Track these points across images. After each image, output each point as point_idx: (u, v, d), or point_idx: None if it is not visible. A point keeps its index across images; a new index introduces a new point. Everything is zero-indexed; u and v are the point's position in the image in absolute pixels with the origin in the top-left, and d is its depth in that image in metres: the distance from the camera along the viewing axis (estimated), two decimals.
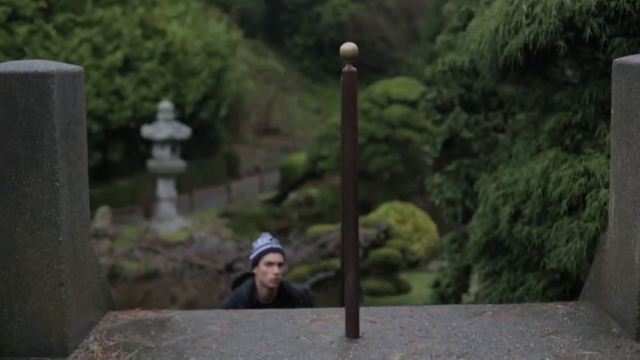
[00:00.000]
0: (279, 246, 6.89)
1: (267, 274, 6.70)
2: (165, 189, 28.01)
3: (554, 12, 5.78)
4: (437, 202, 9.36)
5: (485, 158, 9.17)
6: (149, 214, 28.97)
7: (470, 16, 8.18)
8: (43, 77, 4.18)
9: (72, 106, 4.42)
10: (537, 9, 5.92)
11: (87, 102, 29.09)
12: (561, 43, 5.87)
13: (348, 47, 4.32)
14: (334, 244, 18.77)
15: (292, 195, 33.61)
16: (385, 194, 30.07)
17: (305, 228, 26.16)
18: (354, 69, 4.33)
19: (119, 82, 31.07)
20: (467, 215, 9.31)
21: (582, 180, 5.69)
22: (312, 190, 33.70)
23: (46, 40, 29.30)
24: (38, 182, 4.21)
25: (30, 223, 4.23)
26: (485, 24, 6.43)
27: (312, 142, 33.60)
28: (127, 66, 31.76)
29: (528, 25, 5.94)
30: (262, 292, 6.79)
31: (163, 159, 27.40)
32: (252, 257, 6.85)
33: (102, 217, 27.68)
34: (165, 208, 28.13)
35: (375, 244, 19.66)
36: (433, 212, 24.47)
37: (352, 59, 4.29)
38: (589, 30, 5.74)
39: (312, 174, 33.63)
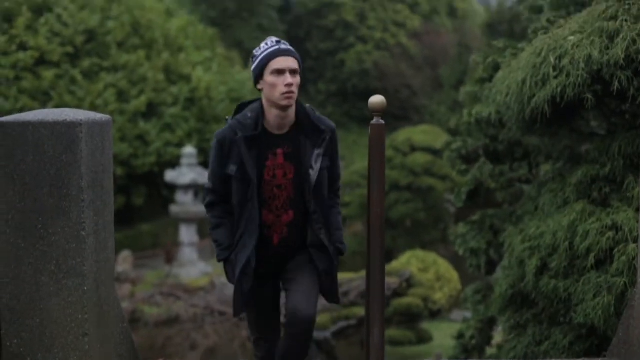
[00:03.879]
0: (290, 48, 5.15)
1: (277, 86, 4.95)
2: (187, 234, 28.02)
3: (581, 65, 5.76)
4: (460, 252, 9.31)
5: (510, 209, 9.13)
6: (170, 258, 28.95)
7: (496, 67, 8.19)
8: (72, 127, 4.19)
9: (99, 155, 4.44)
10: (565, 61, 5.90)
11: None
12: (589, 96, 5.84)
13: (377, 100, 4.33)
14: (356, 293, 18.69)
15: None
16: (408, 241, 29.99)
17: None
18: (382, 121, 4.34)
19: (143, 127, 31.23)
20: (491, 266, 9.26)
21: (610, 234, 5.63)
22: None
23: (72, 85, 29.54)
24: (64, 231, 4.21)
25: (56, 272, 4.23)
26: (512, 75, 6.42)
27: None
28: (151, 111, 31.95)
29: (555, 77, 5.92)
30: (271, 116, 5.06)
31: (186, 204, 27.45)
32: (253, 67, 5.09)
33: (124, 261, 27.70)
34: (187, 253, 28.13)
35: (397, 293, 19.56)
36: (455, 261, 24.34)
37: (380, 111, 4.30)
38: (617, 83, 5.71)
39: None
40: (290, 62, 4.98)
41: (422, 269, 23.29)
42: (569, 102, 5.98)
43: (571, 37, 6.02)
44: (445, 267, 23.90)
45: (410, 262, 23.65)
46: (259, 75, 5.06)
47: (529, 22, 9.20)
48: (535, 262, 6.22)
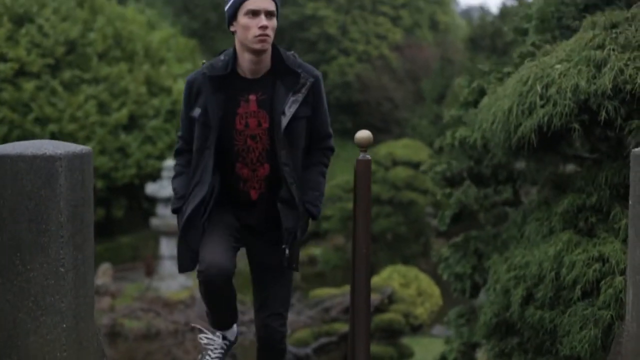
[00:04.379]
0: None
1: (250, 28, 4.59)
2: (167, 247, 27.86)
3: (569, 95, 5.71)
4: (445, 276, 9.25)
5: (493, 230, 9.08)
6: (150, 271, 28.80)
7: (481, 92, 8.15)
8: (50, 161, 4.09)
9: (79, 188, 4.33)
10: (552, 90, 5.85)
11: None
12: (576, 125, 5.79)
13: (363, 135, 4.27)
14: (338, 309, 18.61)
15: None
16: (389, 255, 29.95)
17: (308, 289, 26.01)
18: (369, 157, 4.26)
19: (123, 140, 31.09)
20: (475, 289, 9.19)
21: (597, 265, 5.57)
22: (315, 250, 33.59)
23: (53, 96, 29.42)
24: (43, 267, 4.10)
25: (34, 309, 4.12)
26: (498, 103, 6.37)
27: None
28: (132, 123, 31.81)
29: (542, 106, 5.87)
30: (244, 60, 4.71)
31: (166, 216, 27.30)
32: (226, 7, 4.74)
33: (104, 274, 27.56)
34: (168, 266, 27.96)
35: (379, 309, 19.48)
36: (436, 275, 24.30)
37: (366, 146, 4.22)
38: (604, 113, 5.66)
39: (316, 234, 33.52)
40: (267, 3, 4.65)
41: (404, 284, 23.24)
42: (556, 131, 5.94)
43: (558, 66, 5.98)
44: (426, 282, 23.85)
45: (391, 276, 23.59)
46: (232, 16, 4.72)
47: (514, 45, 9.16)
48: (520, 291, 6.16)
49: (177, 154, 5.06)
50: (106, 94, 30.63)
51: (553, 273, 5.87)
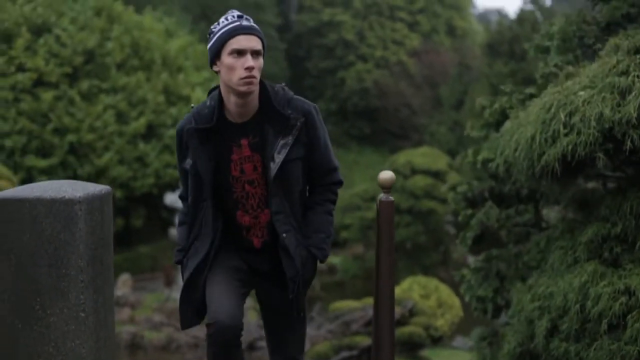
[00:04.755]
0: (253, 25, 4.45)
1: (235, 69, 4.31)
2: None
3: (593, 123, 5.62)
4: (466, 298, 9.17)
5: (514, 249, 8.99)
6: (169, 281, 28.80)
7: (503, 113, 8.07)
8: (70, 204, 4.04)
9: (99, 230, 4.28)
10: (575, 118, 5.76)
11: (110, 169, 29.14)
12: (600, 155, 5.70)
13: (386, 176, 4.19)
14: (360, 323, 18.55)
15: None
16: (408, 264, 29.86)
17: (327, 299, 25.96)
18: (392, 198, 4.19)
19: (142, 149, 31.08)
20: (497, 310, 9.11)
21: (623, 299, 5.50)
22: (334, 259, 33.54)
23: (71, 106, 29.43)
24: (63, 312, 4.05)
25: (54, 354, 4.07)
26: (521, 130, 6.29)
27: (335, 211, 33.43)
28: (150, 132, 31.79)
29: (566, 135, 5.79)
30: (230, 104, 4.44)
31: None
32: (209, 45, 4.46)
33: (124, 285, 27.60)
34: None
35: (399, 322, 19.39)
36: (455, 283, 24.16)
37: (389, 187, 4.15)
38: (629, 142, 5.57)
39: (335, 243, 33.43)
40: (253, 42, 4.35)
41: (424, 295, 23.11)
42: (580, 160, 5.86)
43: (581, 93, 5.90)
44: (447, 293, 23.71)
45: (412, 287, 23.47)
46: (215, 56, 4.43)
47: (535, 62, 9.07)
48: (545, 323, 6.09)
49: (181, 200, 4.86)
50: (124, 103, 30.62)
51: (578, 305, 5.79)
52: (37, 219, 4.04)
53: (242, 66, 4.29)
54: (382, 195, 4.18)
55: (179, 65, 34.42)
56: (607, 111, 5.62)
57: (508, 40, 37.09)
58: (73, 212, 4.04)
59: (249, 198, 4.52)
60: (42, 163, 27.94)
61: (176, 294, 27.20)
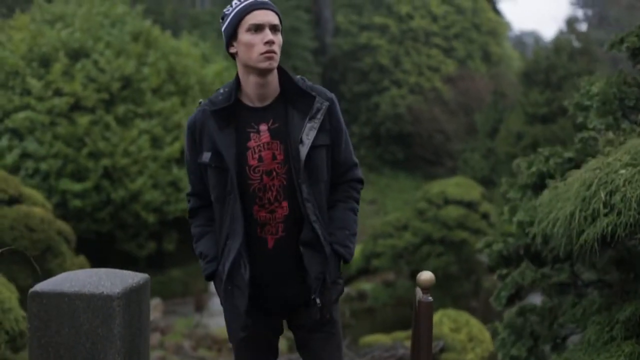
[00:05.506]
0: (268, 0, 4.24)
1: (255, 45, 4.11)
2: None
3: (634, 205, 5.55)
4: (500, 356, 9.09)
5: (549, 303, 8.90)
6: (200, 307, 28.84)
7: (540, 175, 8.01)
8: (108, 300, 4.07)
9: (136, 321, 4.30)
10: (616, 197, 5.69)
11: (144, 193, 29.27)
12: None
13: (425, 276, 4.16)
14: None
15: (345, 290, 33.39)
16: (439, 294, 29.73)
17: (357, 327, 25.89)
18: (431, 298, 4.16)
19: (175, 174, 31.17)
20: None
21: None
22: (365, 285, 33.45)
23: (106, 131, 29.58)
24: None
25: None
26: (560, 205, 6.23)
27: (367, 238, 33.34)
28: (184, 157, 31.76)
29: (606, 215, 5.72)
30: (249, 85, 4.22)
31: None
32: (224, 26, 4.24)
33: (154, 309, 27.65)
34: (217, 303, 27.91)
35: None
36: (487, 314, 24.04)
37: (429, 288, 4.12)
38: None
39: (366, 270, 33.38)
40: (271, 16, 4.13)
41: (454, 329, 22.94)
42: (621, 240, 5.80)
43: (622, 171, 5.83)
44: (477, 327, 23.50)
45: (442, 321, 23.34)
46: (231, 35, 4.19)
47: (574, 119, 9.01)
48: None
49: (193, 215, 4.48)
50: (159, 128, 30.74)
51: None
52: (75, 313, 4.06)
53: (261, 41, 4.09)
54: (421, 296, 4.14)
55: (214, 90, 34.41)
56: None
57: (544, 69, 36.94)
58: (111, 308, 4.06)
59: (266, 190, 4.21)
60: (77, 187, 28.10)
61: (207, 319, 27.27)
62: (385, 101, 51.65)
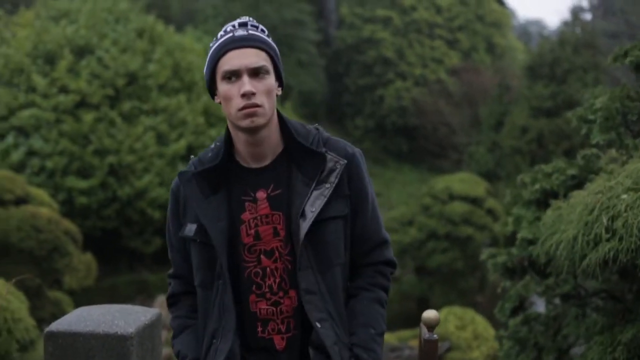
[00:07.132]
0: (254, 33, 3.38)
1: (231, 98, 3.27)
2: None
3: (635, 231, 5.64)
4: None
5: (552, 312, 9.00)
6: None
7: (544, 192, 8.11)
8: (122, 340, 4.18)
9: (149, 356, 4.41)
10: (618, 223, 5.78)
11: (150, 191, 29.34)
12: None
13: (430, 315, 4.24)
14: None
15: None
16: (444, 290, 29.85)
17: None
18: (436, 337, 4.25)
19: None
20: None
21: None
22: None
23: (112, 128, 29.65)
24: None
25: None
26: (563, 228, 6.32)
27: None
28: (190, 154, 31.83)
29: (608, 240, 5.81)
30: (240, 143, 3.36)
31: None
32: (204, 71, 3.42)
33: (161, 306, 27.71)
34: None
35: None
36: (492, 309, 24.09)
37: (434, 327, 4.21)
38: None
39: None
40: (250, 57, 3.27)
41: (460, 326, 23.09)
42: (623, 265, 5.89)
43: (624, 196, 5.91)
44: (483, 325, 23.67)
45: (447, 319, 23.47)
46: (211, 84, 3.41)
47: (577, 131, 9.09)
48: None
49: (173, 302, 3.77)
50: (165, 125, 30.80)
51: None
52: (89, 352, 4.17)
53: (238, 93, 3.26)
54: (426, 334, 4.24)
55: None
56: None
57: (549, 63, 36.93)
58: (125, 347, 4.16)
59: (266, 276, 3.37)
60: (83, 184, 28.18)
61: None
62: (389, 94, 51.61)
